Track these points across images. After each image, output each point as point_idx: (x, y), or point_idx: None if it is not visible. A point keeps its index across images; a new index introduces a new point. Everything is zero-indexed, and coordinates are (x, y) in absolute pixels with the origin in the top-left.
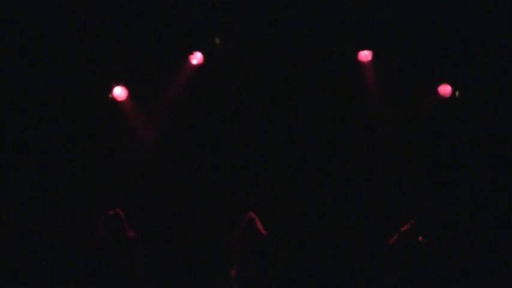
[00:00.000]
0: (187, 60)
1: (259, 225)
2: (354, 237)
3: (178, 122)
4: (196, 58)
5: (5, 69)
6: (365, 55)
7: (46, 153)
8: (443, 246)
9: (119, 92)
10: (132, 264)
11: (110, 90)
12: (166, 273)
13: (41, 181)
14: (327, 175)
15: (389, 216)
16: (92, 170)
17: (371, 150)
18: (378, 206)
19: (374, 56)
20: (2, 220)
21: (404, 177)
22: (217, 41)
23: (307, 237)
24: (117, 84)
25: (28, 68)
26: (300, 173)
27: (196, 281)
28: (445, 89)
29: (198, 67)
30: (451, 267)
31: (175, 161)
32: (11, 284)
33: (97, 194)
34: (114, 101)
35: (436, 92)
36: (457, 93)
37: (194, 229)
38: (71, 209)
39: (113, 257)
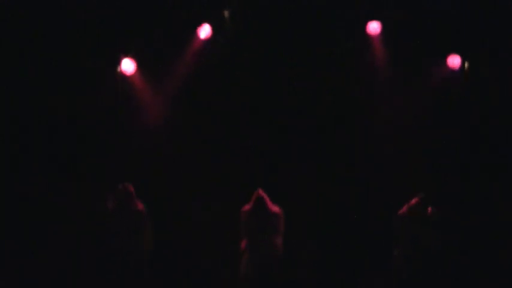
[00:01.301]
0: (195, 33)
1: (268, 202)
2: (363, 209)
3: (186, 96)
4: (205, 31)
5: (12, 38)
6: (374, 27)
7: (55, 128)
8: (452, 218)
9: (128, 65)
10: (139, 238)
11: (118, 63)
12: (172, 249)
13: (50, 155)
14: (335, 147)
15: (399, 190)
16: (101, 144)
17: (380, 123)
18: (386, 180)
19: (383, 27)
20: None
21: (413, 150)
22: (226, 14)
23: (315, 213)
24: (126, 56)
25: (33, 41)
26: (308, 146)
27: (202, 257)
28: (454, 61)
29: (206, 40)
30: (460, 238)
31: (184, 136)
32: (16, 254)
33: (105, 169)
34: (122, 74)
35: (445, 64)
36: (466, 64)
37: (202, 205)
38: (79, 183)
39: (121, 230)
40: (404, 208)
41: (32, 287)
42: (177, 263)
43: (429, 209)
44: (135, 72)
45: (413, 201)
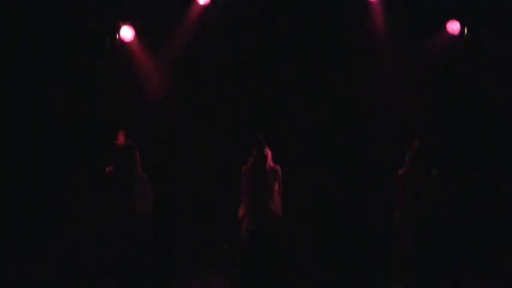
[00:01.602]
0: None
1: (269, 157)
2: (362, 172)
3: (186, 62)
4: None
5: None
6: None
7: (54, 94)
8: (452, 178)
9: (126, 32)
10: (140, 200)
11: (117, 30)
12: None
13: (48, 121)
14: (333, 113)
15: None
16: (99, 111)
17: (379, 87)
18: (385, 144)
19: None
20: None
21: (411, 115)
22: None
23: (316, 173)
24: (124, 23)
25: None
26: (307, 109)
27: (201, 220)
28: (453, 26)
29: (206, 6)
30: (460, 198)
31: (184, 103)
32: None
33: (104, 134)
34: (121, 41)
35: (444, 29)
36: (466, 30)
37: (201, 166)
38: (77, 152)
39: (119, 190)
40: (405, 168)
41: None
42: (178, 226)
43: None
44: (133, 39)
45: (409, 155)
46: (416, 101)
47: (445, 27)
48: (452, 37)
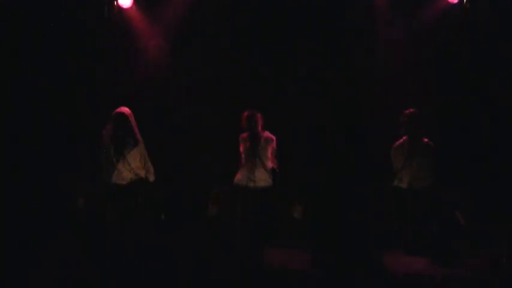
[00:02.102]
0: None
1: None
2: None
3: (184, 30)
4: None
5: None
6: None
7: (54, 61)
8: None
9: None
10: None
11: None
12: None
13: (48, 88)
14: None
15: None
16: (97, 78)
17: (378, 56)
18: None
19: None
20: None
21: (410, 85)
22: None
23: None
24: None
25: None
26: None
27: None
28: None
29: None
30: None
31: (182, 69)
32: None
33: (101, 102)
34: (119, 8)
35: None
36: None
37: (201, 136)
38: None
39: (116, 155)
40: (402, 139)
41: None
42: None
43: (425, 140)
44: (131, 6)
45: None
46: (416, 80)
47: None
48: (451, 5)
